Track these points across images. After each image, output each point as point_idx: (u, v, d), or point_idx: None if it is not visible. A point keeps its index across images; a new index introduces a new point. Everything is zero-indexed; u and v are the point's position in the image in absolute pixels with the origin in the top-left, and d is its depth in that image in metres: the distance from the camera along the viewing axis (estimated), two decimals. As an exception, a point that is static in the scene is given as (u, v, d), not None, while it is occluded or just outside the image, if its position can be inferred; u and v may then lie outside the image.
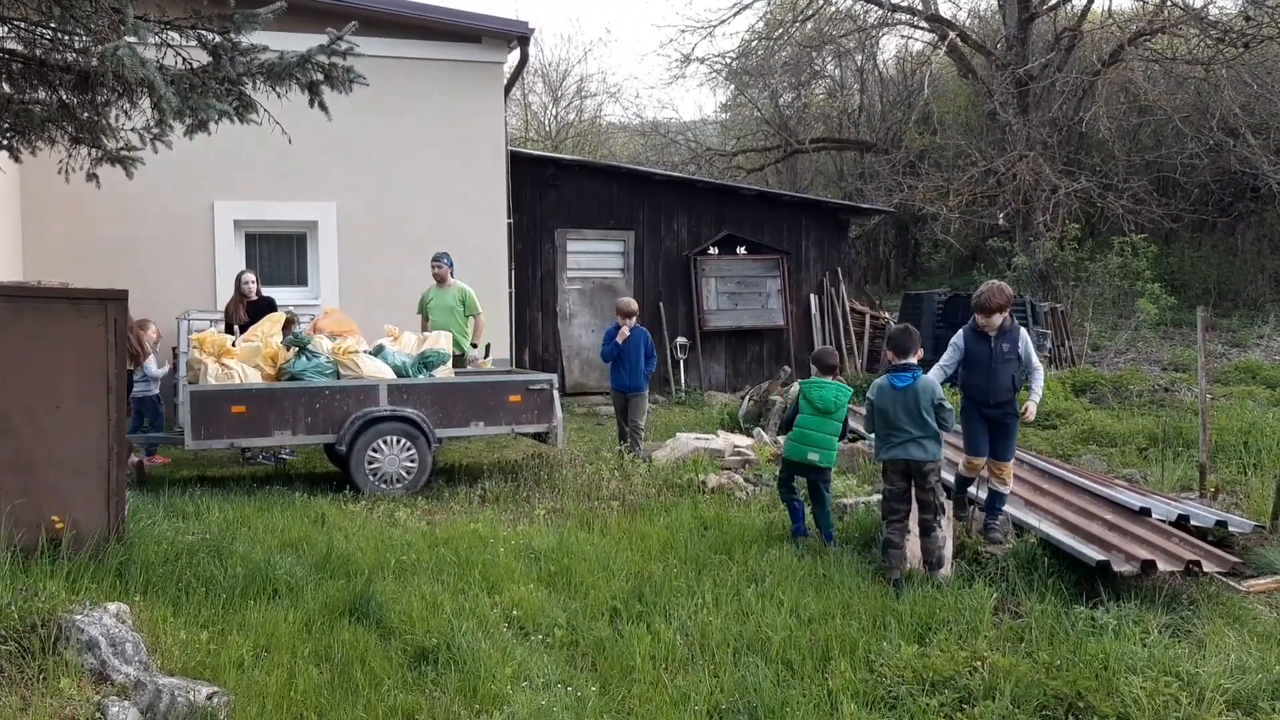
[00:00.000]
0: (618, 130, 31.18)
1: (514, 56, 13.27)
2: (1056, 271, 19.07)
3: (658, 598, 5.79)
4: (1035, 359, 6.87)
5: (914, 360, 6.43)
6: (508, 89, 13.77)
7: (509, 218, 13.22)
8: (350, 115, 9.41)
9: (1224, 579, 6.26)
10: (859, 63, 27.08)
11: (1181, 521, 6.96)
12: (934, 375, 6.77)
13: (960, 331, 7.00)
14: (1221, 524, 7.08)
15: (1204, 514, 7.19)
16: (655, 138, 27.31)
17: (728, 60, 25.78)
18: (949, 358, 6.94)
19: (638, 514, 7.50)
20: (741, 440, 10.24)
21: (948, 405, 6.28)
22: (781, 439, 8.36)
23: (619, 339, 9.71)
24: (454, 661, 4.78)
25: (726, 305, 15.33)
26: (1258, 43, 12.66)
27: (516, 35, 12.85)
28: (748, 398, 12.00)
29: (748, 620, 5.49)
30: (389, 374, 8.61)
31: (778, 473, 7.36)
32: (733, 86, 26.93)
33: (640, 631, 5.26)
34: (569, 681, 4.70)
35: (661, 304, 15.03)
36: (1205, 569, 6.18)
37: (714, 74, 26.81)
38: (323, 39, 7.12)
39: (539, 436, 9.18)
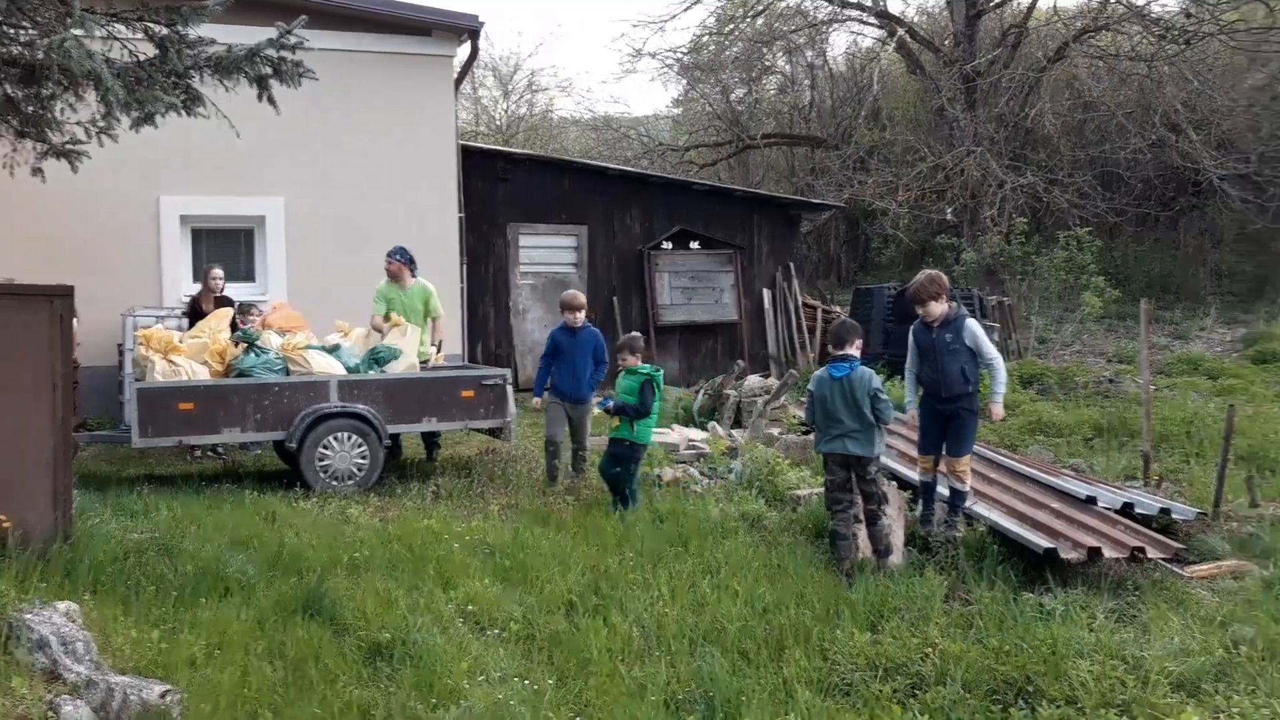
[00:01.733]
0: (569, 125, 31.13)
1: (464, 50, 13.20)
2: (1003, 266, 19.35)
3: (614, 591, 5.80)
4: (989, 351, 6.81)
5: (852, 351, 6.48)
6: (458, 83, 13.70)
7: (460, 212, 13.15)
8: (299, 109, 9.29)
9: (1168, 565, 6.40)
10: (809, 59, 27.26)
11: (1126, 509, 7.11)
12: (907, 379, 6.87)
13: (912, 327, 7.09)
14: (1165, 511, 7.24)
15: (1148, 502, 7.36)
16: (607, 132, 27.33)
17: (679, 55, 25.89)
18: (909, 356, 7.02)
19: (593, 508, 7.50)
20: (696, 434, 10.28)
21: (884, 396, 6.34)
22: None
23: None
24: (409, 657, 4.76)
25: (680, 300, 15.38)
26: (1199, 39, 12.96)
27: (467, 29, 12.78)
28: (702, 392, 12.05)
29: (703, 611, 5.52)
30: (339, 370, 8.54)
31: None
32: (685, 82, 27.02)
33: (596, 624, 5.27)
34: (526, 675, 4.69)
35: (615, 299, 15.04)
36: (1149, 555, 6.32)
37: (666, 69, 26.95)
38: (271, 32, 7.05)
39: (492, 432, 9.15)
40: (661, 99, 60.91)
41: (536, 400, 8.74)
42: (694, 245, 15.59)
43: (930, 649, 4.92)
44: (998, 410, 6.85)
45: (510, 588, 5.89)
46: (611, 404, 7.57)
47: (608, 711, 4.35)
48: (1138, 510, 7.13)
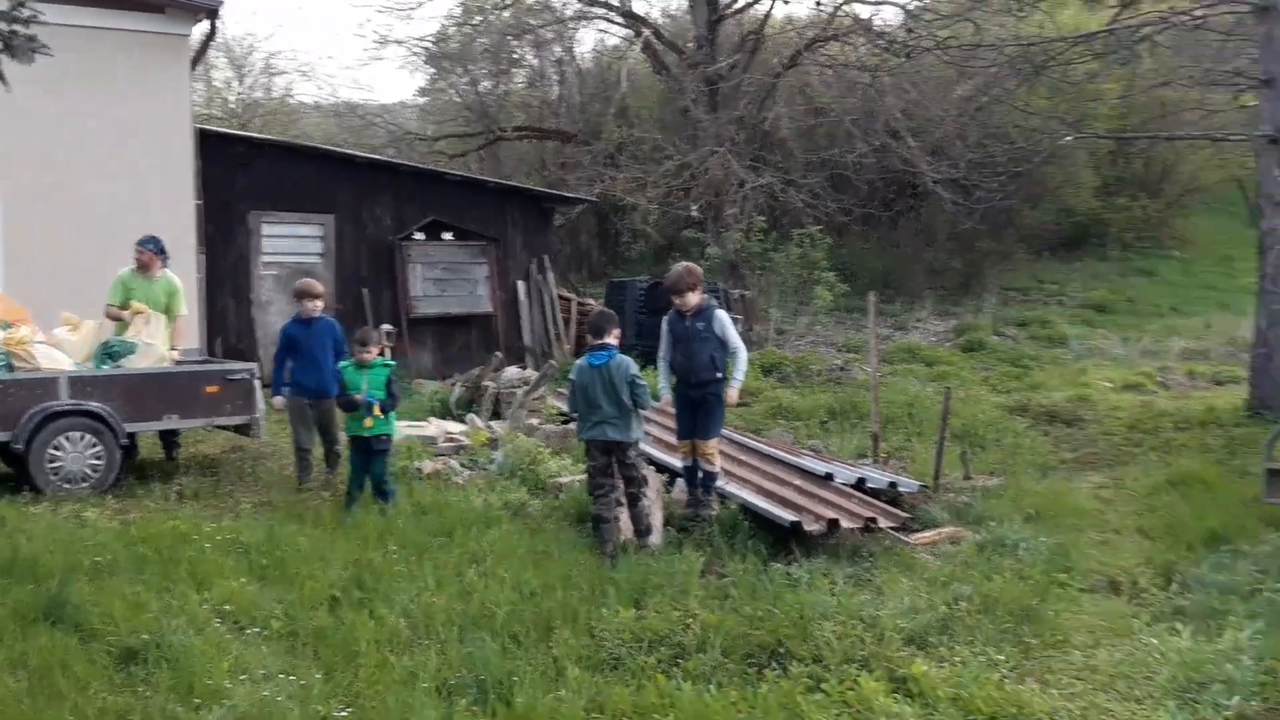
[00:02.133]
0: (310, 110, 30.00)
1: (202, 29, 12.51)
2: (744, 261, 20.29)
3: (378, 584, 5.74)
4: (735, 340, 7.23)
5: (610, 341, 6.71)
6: (195, 63, 12.96)
7: (198, 199, 12.46)
8: (20, 87, 8.53)
9: (896, 533, 7.01)
10: (558, 54, 27.52)
11: (860, 484, 7.71)
12: (660, 367, 7.14)
13: (665, 317, 7.40)
14: (893, 485, 7.92)
15: (878, 477, 8.01)
16: (352, 119, 26.54)
17: (426, 44, 25.49)
18: (662, 345, 7.31)
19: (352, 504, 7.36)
20: (454, 427, 10.24)
21: (641, 382, 6.61)
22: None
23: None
24: (165, 660, 4.55)
25: (434, 292, 15.20)
26: (918, 53, 14.17)
27: (204, 7, 12.09)
28: (459, 384, 12.00)
29: (471, 599, 5.56)
30: (68, 365, 7.94)
31: None
32: (433, 71, 26.65)
33: (362, 618, 5.21)
34: (291, 671, 4.59)
35: (366, 291, 14.68)
36: (881, 525, 6.91)
37: (413, 57, 26.44)
38: (1, 4, 6.45)
39: (240, 429, 8.76)
40: (408, 86, 59.65)
41: (278, 399, 8.07)
42: (447, 236, 15.45)
43: (691, 620, 5.19)
44: (733, 394, 7.24)
45: (269, 586, 5.71)
46: (375, 401, 7.40)
47: (379, 701, 4.34)
48: (869, 485, 7.75)
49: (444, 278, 15.34)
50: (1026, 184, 23.22)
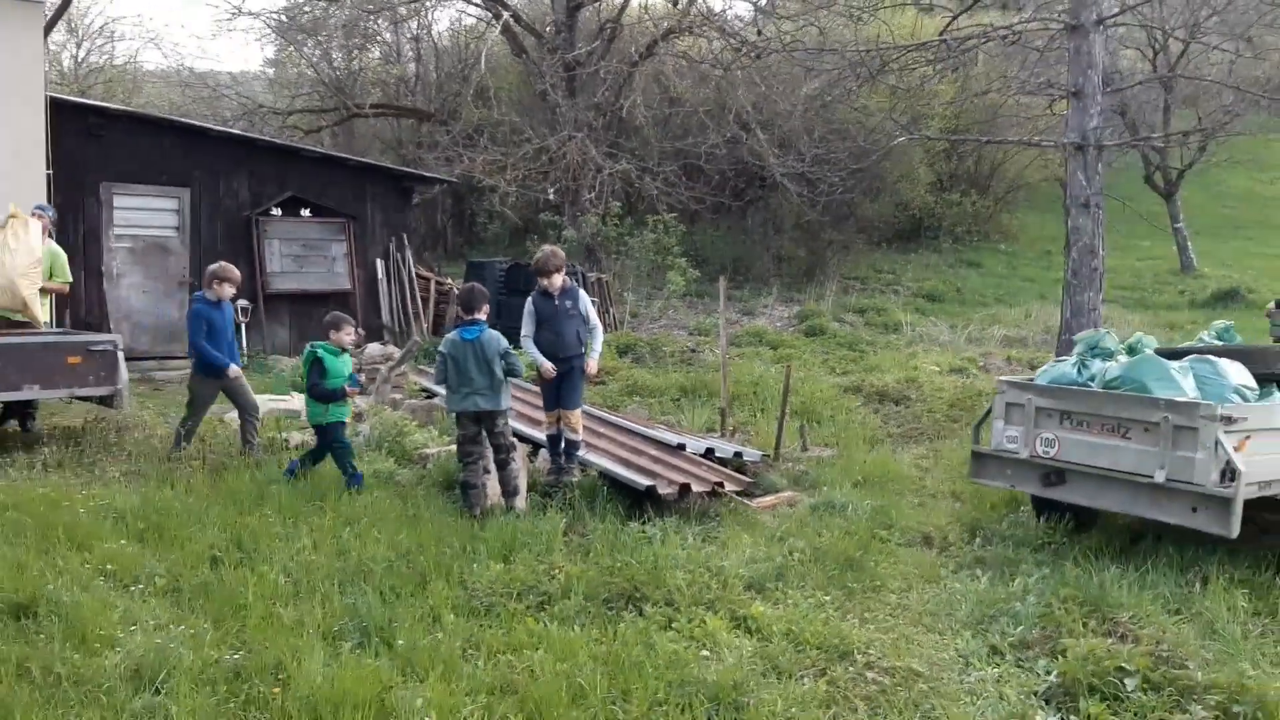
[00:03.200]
0: (157, 79, 29.03)
1: (52, -7, 12.22)
2: (601, 245, 20.81)
3: (257, 545, 6.04)
4: (594, 318, 7.83)
5: (481, 316, 7.17)
6: (48, 30, 12.63)
7: (48, 169, 12.20)
8: None
9: (740, 498, 7.66)
10: (414, 30, 27.42)
11: (709, 453, 8.35)
12: (526, 345, 7.58)
13: (530, 297, 7.86)
14: (738, 455, 8.60)
15: (725, 447, 8.67)
16: (202, 90, 25.83)
17: (280, 16, 25.02)
18: (527, 324, 7.76)
19: (223, 472, 7.57)
20: (316, 400, 10.44)
21: (513, 352, 7.09)
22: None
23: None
24: (56, 614, 4.78)
25: (291, 268, 15.19)
26: (768, 54, 14.94)
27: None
28: (320, 360, 12.13)
29: (348, 557, 5.92)
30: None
31: None
32: (290, 46, 26.18)
33: (244, 574, 5.51)
34: (181, 622, 4.88)
35: (221, 266, 14.56)
36: (727, 489, 7.55)
37: (267, 29, 25.93)
38: None
39: (103, 400, 8.78)
40: (255, 57, 57.72)
41: (234, 369, 8.33)
42: (305, 213, 15.44)
43: (556, 571, 5.71)
44: (592, 365, 7.75)
45: (148, 548, 5.94)
46: (357, 387, 7.69)
47: (268, 646, 4.67)
48: (717, 454, 8.41)
49: (302, 254, 15.35)
50: (867, 179, 24.42)
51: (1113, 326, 20.15)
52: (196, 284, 14.15)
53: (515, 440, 7.36)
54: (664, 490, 7.20)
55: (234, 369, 8.33)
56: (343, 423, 7.61)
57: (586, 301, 7.78)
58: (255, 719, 4.02)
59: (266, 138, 17.44)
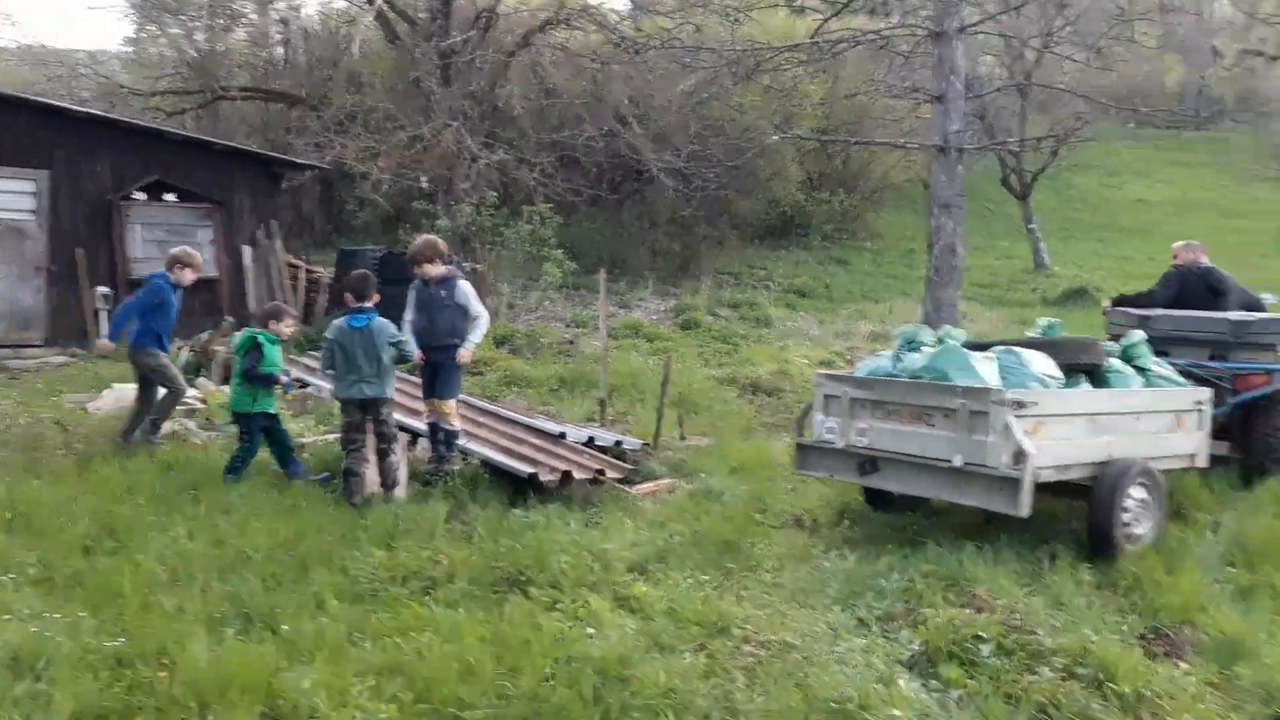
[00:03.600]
0: (9, 56, 27.55)
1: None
2: (475, 235, 20.68)
3: (131, 534, 5.92)
4: (476, 308, 7.77)
5: (369, 304, 7.15)
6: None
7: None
8: None
9: (621, 485, 7.83)
10: (282, 12, 26.73)
11: (589, 442, 8.48)
12: (405, 330, 7.56)
13: (413, 284, 7.85)
14: (618, 443, 8.77)
15: (606, 436, 8.83)
16: (58, 68, 24.65)
17: (142, -7, 24.07)
18: (408, 310, 7.75)
19: (91, 461, 7.35)
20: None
21: (403, 338, 7.11)
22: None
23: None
24: (-82, 606, 4.62)
25: (155, 254, 14.58)
26: (645, 50, 15.10)
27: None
28: (187, 349, 11.82)
29: (226, 546, 5.86)
30: None
31: None
32: (151, 25, 25.20)
33: (120, 563, 5.40)
34: (56, 611, 4.77)
35: (82, 251, 13.99)
36: (608, 476, 7.71)
37: (130, 7, 24.89)
38: None
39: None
40: (114, 34, 55.24)
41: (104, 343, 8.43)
42: (170, 197, 14.96)
43: (440, 557, 5.76)
44: (463, 354, 7.65)
45: (15, 538, 5.76)
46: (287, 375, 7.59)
47: (150, 633, 4.61)
48: (598, 442, 8.55)
49: (166, 240, 14.80)
50: (740, 176, 24.92)
51: (972, 321, 21.15)
52: (56, 270, 13.63)
53: (397, 433, 7.35)
54: (546, 477, 7.31)
55: (104, 343, 8.57)
56: (267, 414, 7.45)
57: (465, 292, 7.74)
58: (141, 703, 3.98)
59: (131, 119, 16.79)
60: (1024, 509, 5.78)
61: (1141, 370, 7.16)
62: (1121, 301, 9.19)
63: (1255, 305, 8.73)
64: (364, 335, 6.94)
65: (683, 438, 9.77)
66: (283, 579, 5.43)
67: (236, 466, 7.29)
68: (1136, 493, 6.33)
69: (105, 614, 4.81)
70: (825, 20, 12.87)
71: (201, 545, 5.81)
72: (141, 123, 16.81)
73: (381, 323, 7.03)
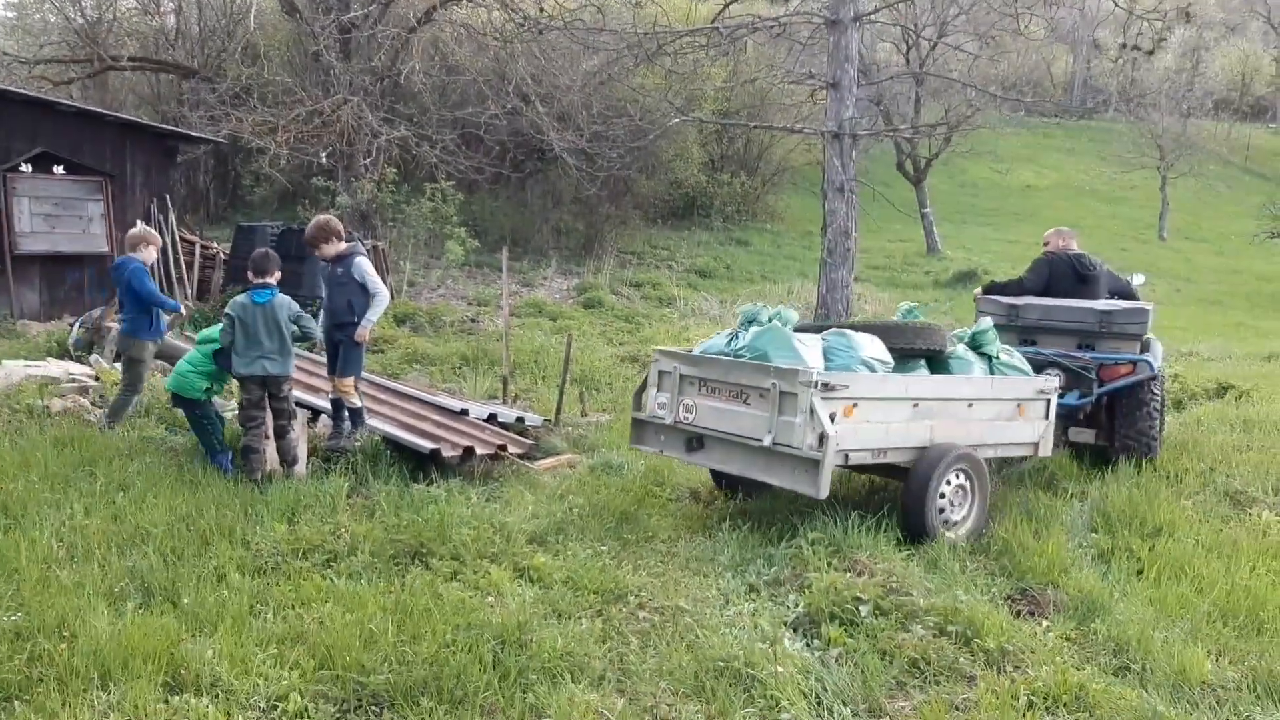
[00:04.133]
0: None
1: None
2: (376, 211, 20.52)
3: (24, 511, 5.86)
4: (374, 285, 7.65)
5: (272, 280, 7.14)
6: None
7: None
8: None
9: (522, 460, 7.98)
10: (175, -20, 25.97)
11: (491, 419, 8.61)
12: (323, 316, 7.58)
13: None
14: (520, 420, 8.91)
15: (508, 413, 8.96)
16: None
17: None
18: (322, 289, 7.77)
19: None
20: (76, 368, 10.00)
21: (306, 315, 7.13)
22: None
23: None
24: None
25: (43, 228, 14.25)
26: (548, 30, 15.14)
27: None
28: (78, 325, 11.55)
29: (124, 522, 5.85)
30: None
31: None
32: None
33: (15, 540, 5.37)
34: (-51, 588, 4.75)
35: (-39, 223, 13.54)
36: (510, 452, 7.85)
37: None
38: None
39: None
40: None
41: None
42: (59, 170, 14.52)
43: (341, 531, 5.84)
44: (360, 332, 7.61)
45: (-103, 517, 5.67)
46: None
47: (48, 607, 4.62)
48: (500, 419, 8.69)
49: (55, 213, 14.43)
50: (643, 156, 25.14)
51: (866, 303, 21.73)
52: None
53: (296, 409, 7.37)
54: (448, 453, 7.42)
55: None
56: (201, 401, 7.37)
57: (363, 269, 7.64)
58: (43, 674, 4.01)
59: (18, 89, 16.20)
60: (822, 491, 5.76)
61: (987, 357, 7.17)
62: (991, 289, 9.12)
63: (1125, 290, 8.95)
64: (266, 311, 6.95)
65: (584, 414, 9.96)
66: (183, 554, 5.46)
67: (216, 450, 7.21)
68: (955, 479, 6.33)
69: (1, 590, 4.79)
70: (726, 5, 13.09)
71: (99, 521, 5.79)
72: (29, 93, 16.23)
73: (283, 299, 7.04)
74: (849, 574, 5.39)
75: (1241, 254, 33.64)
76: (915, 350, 6.76)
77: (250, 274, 7.14)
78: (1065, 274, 8.74)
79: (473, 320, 16.04)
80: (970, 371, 6.92)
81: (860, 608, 5.01)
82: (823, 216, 12.80)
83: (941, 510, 6.29)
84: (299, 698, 4.06)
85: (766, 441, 6.01)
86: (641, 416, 6.93)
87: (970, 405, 6.69)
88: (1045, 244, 9.13)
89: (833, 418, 5.86)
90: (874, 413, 6.16)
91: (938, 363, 6.91)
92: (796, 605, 5.16)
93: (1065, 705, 4.34)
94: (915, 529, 6.16)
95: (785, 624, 5.01)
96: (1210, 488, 7.70)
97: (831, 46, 12.22)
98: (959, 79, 24.66)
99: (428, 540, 5.74)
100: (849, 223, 12.27)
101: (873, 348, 6.47)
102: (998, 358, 7.21)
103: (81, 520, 5.76)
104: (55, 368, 9.71)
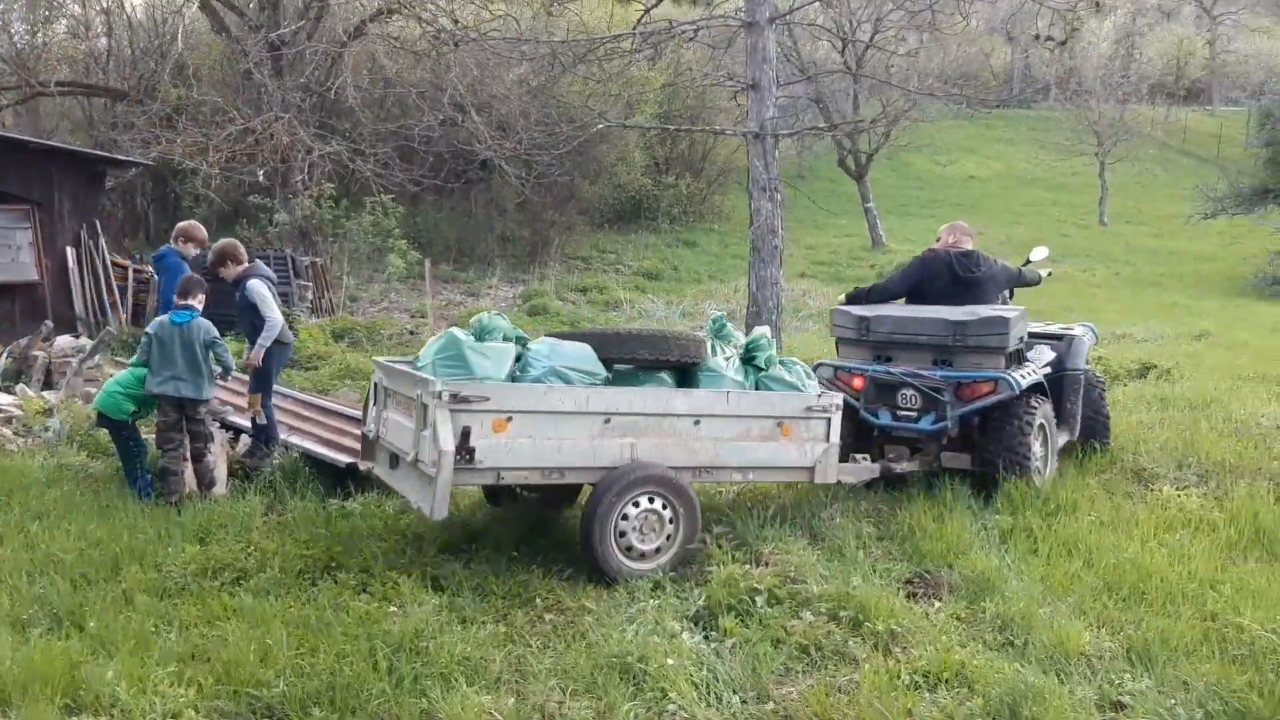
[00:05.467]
0: None
1: None
2: (315, 228, 20.50)
3: (-68, 543, 5.88)
4: (264, 310, 7.69)
5: (194, 303, 7.23)
6: None
7: None
8: None
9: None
10: (105, 4, 25.74)
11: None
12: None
13: None
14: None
15: (432, 424, 8.99)
16: None
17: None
18: None
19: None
20: (3, 398, 9.94)
21: (221, 342, 7.18)
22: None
23: None
24: None
25: (-31, 259, 14.15)
26: (465, 42, 15.20)
27: None
28: (6, 355, 11.47)
29: (37, 549, 5.88)
30: None
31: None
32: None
33: (-82, 572, 5.39)
34: None
35: (-116, 257, 13.39)
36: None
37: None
38: None
39: None
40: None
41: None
42: (-17, 199, 14.41)
43: (252, 549, 5.90)
44: (250, 357, 7.72)
45: None
46: None
47: (-51, 638, 4.65)
48: (423, 431, 8.71)
49: (-19, 243, 14.32)
50: (585, 162, 25.25)
51: (810, 299, 21.96)
52: None
53: (213, 432, 7.41)
54: (364, 466, 7.46)
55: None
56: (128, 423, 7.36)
57: (255, 292, 7.69)
58: (-64, 705, 4.06)
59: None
60: (438, 511, 5.17)
61: (757, 370, 6.50)
62: (854, 297, 8.14)
63: (1022, 282, 8.15)
64: (183, 332, 7.04)
65: (514, 422, 10.03)
66: (93, 579, 5.50)
67: (136, 475, 7.20)
68: (646, 502, 5.67)
69: (-99, 622, 4.81)
70: (647, 10, 13.23)
71: (11, 550, 5.82)
72: (-52, 122, 16.07)
73: (202, 323, 7.11)
74: (748, 566, 5.53)
75: (1179, 235, 34.29)
76: (666, 362, 6.13)
77: (175, 296, 7.27)
78: (939, 274, 7.74)
79: (412, 333, 16.07)
80: (720, 385, 6.20)
81: (755, 598, 5.14)
82: (750, 216, 12.97)
83: (623, 535, 5.65)
84: (194, 713, 4.12)
85: (409, 458, 5.53)
86: (366, 431, 6.57)
87: (697, 423, 5.93)
88: (938, 239, 8.13)
89: (466, 433, 5.24)
90: (539, 427, 5.49)
91: (691, 375, 6.33)
92: (698, 599, 5.28)
93: (946, 682, 4.49)
94: (588, 558, 5.64)
95: (686, 618, 5.13)
96: (1117, 465, 7.93)
97: (749, 48, 12.37)
98: (891, 78, 24.93)
99: (337, 554, 5.81)
100: (775, 221, 12.42)
101: (580, 357, 5.88)
102: (765, 370, 6.49)
103: (-9, 551, 5.77)
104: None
